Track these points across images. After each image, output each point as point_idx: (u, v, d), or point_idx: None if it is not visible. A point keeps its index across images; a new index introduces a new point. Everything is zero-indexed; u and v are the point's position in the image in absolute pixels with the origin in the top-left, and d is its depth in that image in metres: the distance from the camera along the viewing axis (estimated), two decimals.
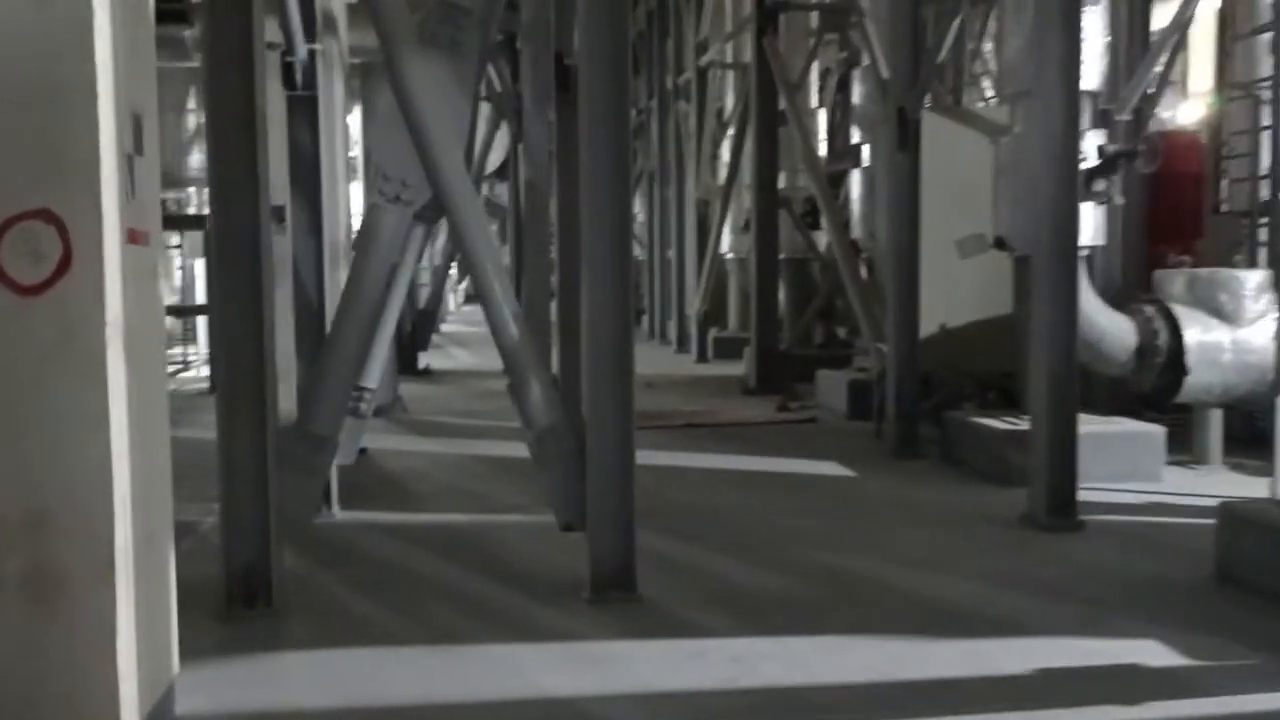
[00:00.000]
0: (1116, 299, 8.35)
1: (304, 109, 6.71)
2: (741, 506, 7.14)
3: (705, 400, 12.42)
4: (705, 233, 17.41)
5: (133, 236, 3.51)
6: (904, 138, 8.55)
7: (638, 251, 25.09)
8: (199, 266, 15.36)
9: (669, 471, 8.22)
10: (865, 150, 11.32)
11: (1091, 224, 7.16)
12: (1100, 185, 7.22)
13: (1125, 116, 8.11)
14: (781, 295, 14.51)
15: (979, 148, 8.74)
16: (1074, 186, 6.39)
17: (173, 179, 13.77)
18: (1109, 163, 7.20)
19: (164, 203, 11.23)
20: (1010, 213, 7.79)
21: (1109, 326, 7.79)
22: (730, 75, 17.14)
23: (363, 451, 7.88)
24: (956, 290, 9.01)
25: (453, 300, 31.59)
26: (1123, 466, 7.46)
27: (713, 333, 17.50)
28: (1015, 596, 5.16)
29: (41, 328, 3.24)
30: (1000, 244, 7.92)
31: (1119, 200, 7.65)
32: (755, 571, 5.62)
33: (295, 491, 5.05)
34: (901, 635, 4.63)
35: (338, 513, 6.57)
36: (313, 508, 5.71)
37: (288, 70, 6.62)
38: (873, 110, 10.67)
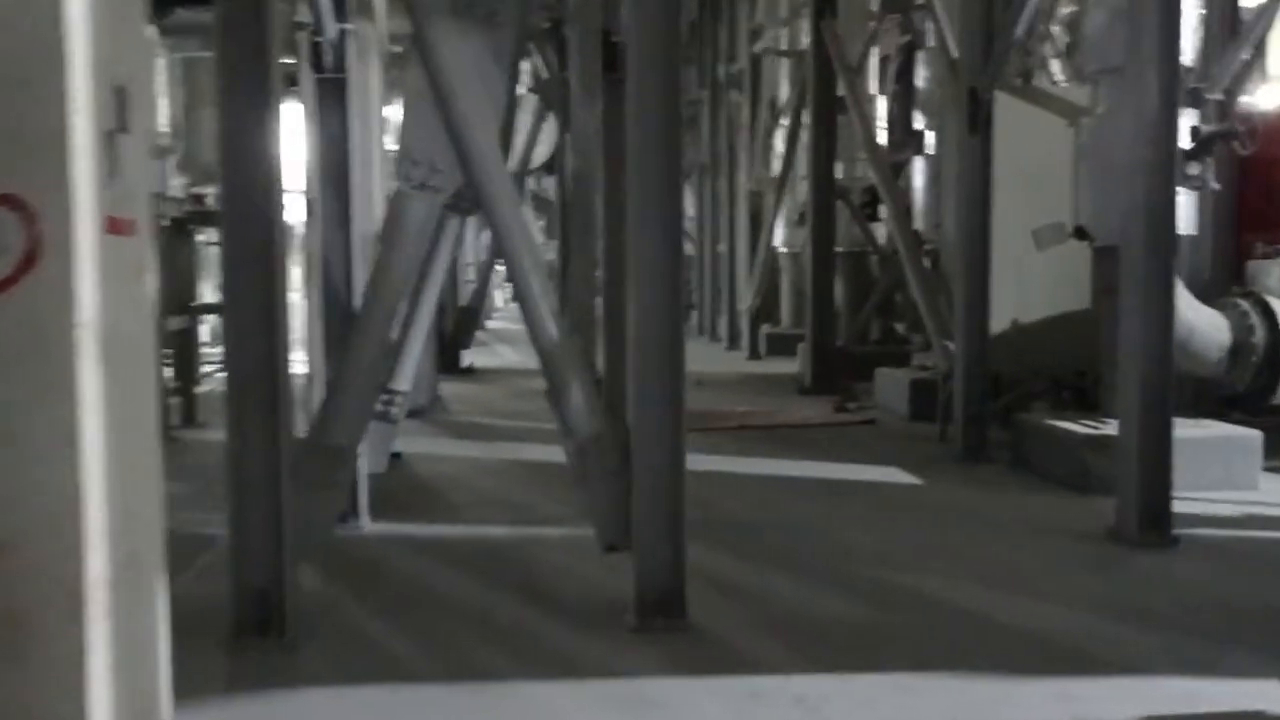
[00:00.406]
0: (1205, 293, 7.74)
1: (333, 93, 6.30)
2: (799, 518, 6.63)
3: (758, 400, 11.90)
4: (757, 226, 16.86)
5: (113, 226, 3.07)
6: (975, 120, 7.98)
7: (688, 246, 24.63)
8: None
9: (720, 478, 7.73)
10: (929, 137, 10.74)
11: (1186, 212, 6.56)
12: (1194, 169, 6.62)
13: (1216, 96, 7.49)
14: (838, 290, 13.94)
15: (1055, 131, 8.17)
16: (1171, 171, 5.81)
17: (213, 173, 13.45)
18: (1204, 144, 6.61)
19: (202, 198, 10.93)
20: (1092, 200, 7.23)
21: (1199, 322, 7.19)
22: (784, 63, 16.58)
23: (397, 456, 7.47)
24: (1029, 283, 8.44)
25: (499, 296, 31.22)
26: (1216, 474, 6.85)
27: (765, 329, 16.97)
28: (1110, 625, 4.62)
29: (3, 331, 2.82)
30: (1080, 234, 7.35)
31: (1214, 186, 7.03)
32: (815, 594, 5.12)
33: (311, 509, 4.62)
34: (981, 672, 4.11)
35: (366, 524, 6.15)
36: (330, 526, 5.27)
37: (316, 51, 6.23)
38: (939, 94, 10.09)
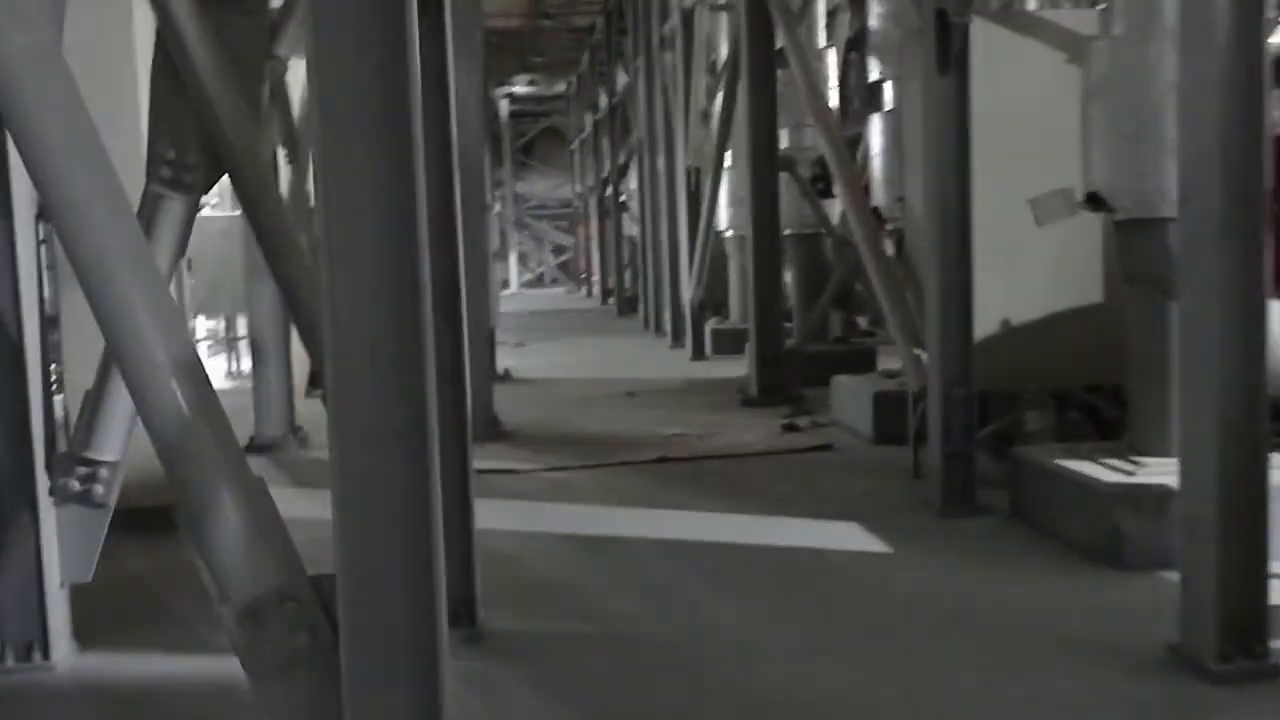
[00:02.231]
0: None
1: None
2: (709, 630, 4.55)
3: (693, 414, 9.85)
4: (699, 206, 14.75)
5: None
6: (946, 54, 5.93)
7: (631, 230, 22.56)
8: None
9: (614, 549, 5.69)
10: (888, 89, 8.67)
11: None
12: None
13: None
14: (789, 279, 11.90)
15: (1052, 68, 6.15)
16: (1263, 101, 3.75)
17: None
18: None
19: None
20: (1110, 157, 5.21)
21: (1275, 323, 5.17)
22: (724, 18, 14.45)
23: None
24: (1024, 271, 6.38)
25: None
26: None
27: (711, 324, 14.92)
28: None
29: None
30: (1094, 202, 5.32)
31: None
32: None
33: None
34: None
35: (63, 658, 4.05)
36: None
37: None
38: (898, 30, 8.01)
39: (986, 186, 6.06)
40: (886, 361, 11.81)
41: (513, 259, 37.80)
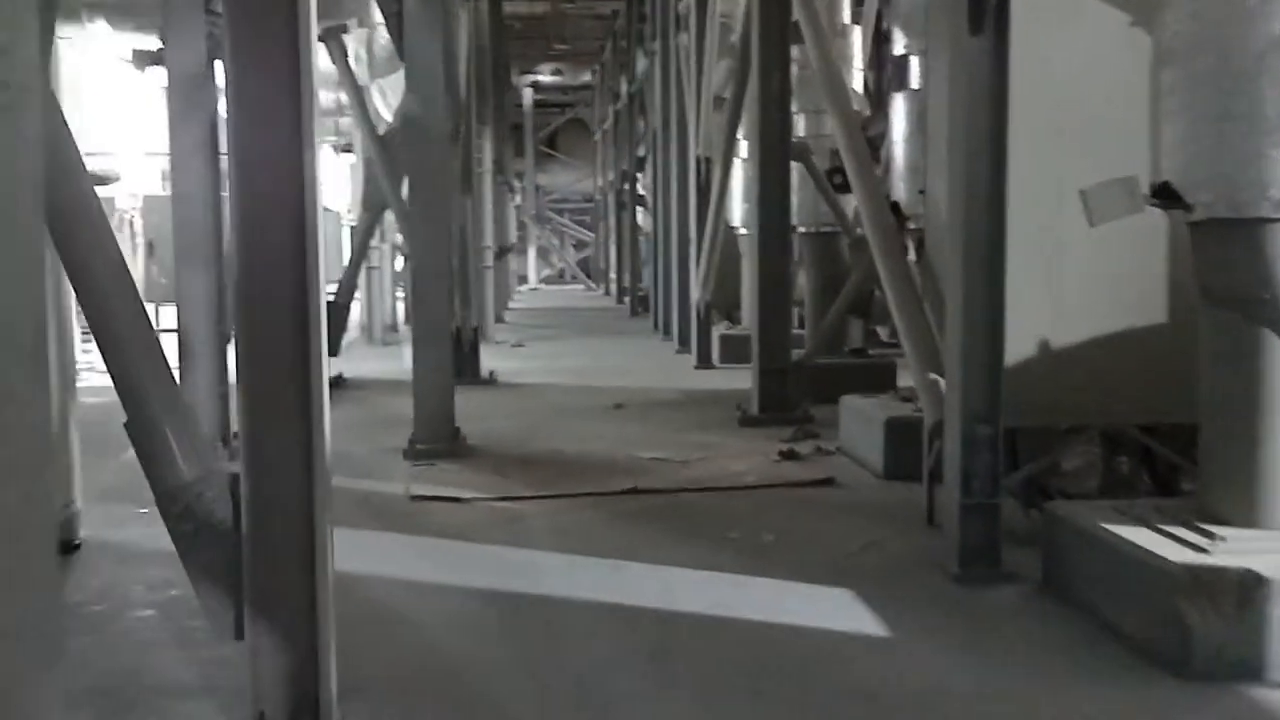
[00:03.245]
0: None
1: None
2: None
3: (683, 434, 8.70)
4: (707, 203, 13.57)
5: None
6: (980, 9, 4.74)
7: (646, 224, 21.42)
8: None
9: (545, 615, 4.55)
10: (914, 65, 7.48)
11: None
12: None
13: None
14: (802, 282, 10.72)
15: (1115, 27, 4.95)
16: None
17: None
18: None
19: None
20: (1189, 141, 4.04)
21: None
22: None
23: None
24: (1070, 282, 5.17)
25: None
26: None
27: (720, 329, 13.74)
28: None
29: None
30: (1165, 196, 4.13)
31: None
32: None
33: None
34: None
35: None
36: None
37: None
38: None
39: (1026, 175, 4.87)
40: (908, 379, 10.63)
41: (532, 253, 36.73)
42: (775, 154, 9.06)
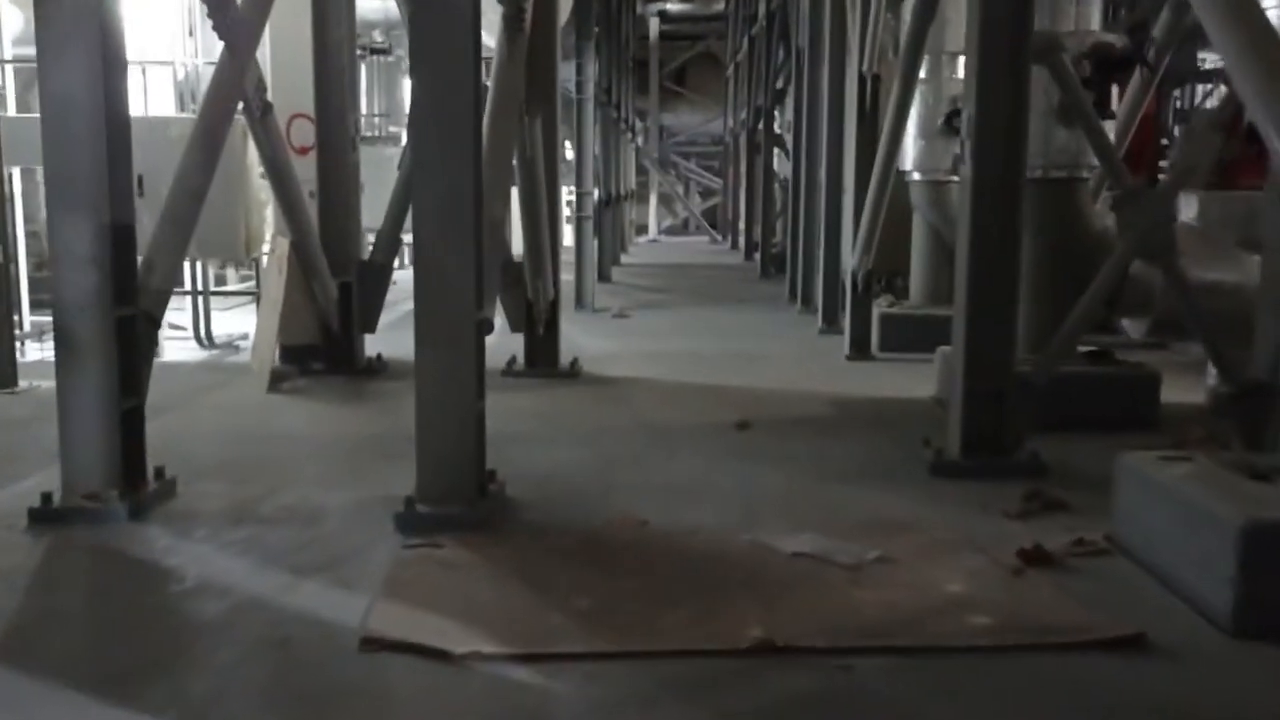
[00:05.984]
0: None
1: None
2: None
3: (842, 490, 5.57)
4: (874, 135, 10.22)
5: None
6: None
7: (785, 170, 18.07)
8: None
9: None
10: None
11: None
12: None
13: None
14: (1025, 254, 7.34)
15: None
16: None
17: None
18: None
19: None
20: None
21: None
22: None
23: None
24: None
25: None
26: None
27: (880, 306, 10.48)
28: None
29: None
30: None
31: None
32: None
33: None
34: None
35: None
36: None
37: None
38: None
39: None
40: (1176, 388, 7.23)
41: (653, 201, 33.54)
42: (1003, 53, 5.70)
